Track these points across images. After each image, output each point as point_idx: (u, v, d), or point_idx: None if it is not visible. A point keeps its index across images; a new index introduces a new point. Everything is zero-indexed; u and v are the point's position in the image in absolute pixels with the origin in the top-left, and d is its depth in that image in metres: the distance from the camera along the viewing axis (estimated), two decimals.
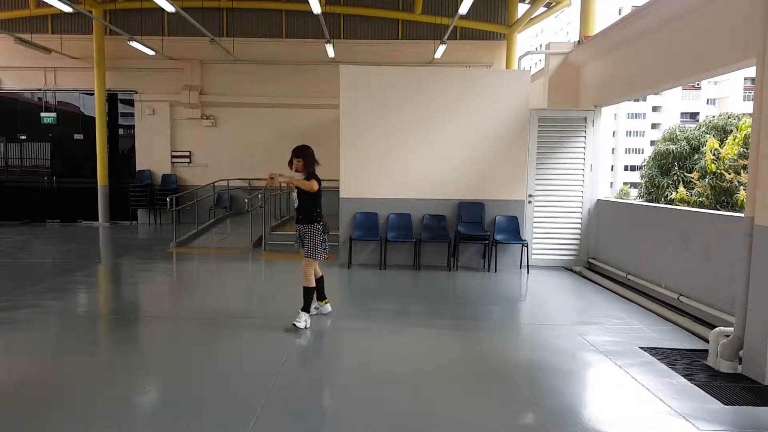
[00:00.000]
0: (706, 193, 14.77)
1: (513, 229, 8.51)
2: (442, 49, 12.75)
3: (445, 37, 12.33)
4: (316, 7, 9.87)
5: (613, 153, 59.50)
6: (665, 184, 18.88)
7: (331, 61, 13.29)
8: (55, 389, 3.83)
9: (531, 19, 13.85)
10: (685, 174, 17.54)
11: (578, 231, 8.67)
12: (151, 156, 14.47)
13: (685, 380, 4.12)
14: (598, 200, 8.58)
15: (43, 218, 14.57)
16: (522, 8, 14.22)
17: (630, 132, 61.69)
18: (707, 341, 4.71)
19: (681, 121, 48.45)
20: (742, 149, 13.45)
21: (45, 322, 5.45)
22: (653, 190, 19.34)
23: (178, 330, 5.40)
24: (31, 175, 14.72)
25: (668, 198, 17.26)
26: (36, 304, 6.03)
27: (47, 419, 3.38)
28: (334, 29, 14.17)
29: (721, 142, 15.45)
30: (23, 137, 14.55)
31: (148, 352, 4.88)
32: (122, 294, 7.11)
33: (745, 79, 55.38)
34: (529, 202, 8.65)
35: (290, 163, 5.34)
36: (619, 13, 48.29)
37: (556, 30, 69.28)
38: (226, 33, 14.34)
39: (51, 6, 11.06)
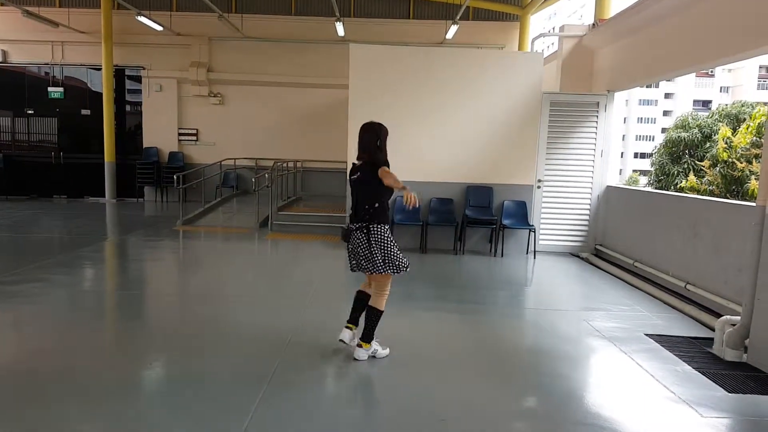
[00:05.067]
0: (716, 182, 14.64)
1: (521, 214, 8.46)
2: (453, 29, 12.56)
3: (457, 17, 12.15)
4: None
5: (623, 139, 58.97)
6: (675, 172, 18.72)
7: (341, 39, 13.14)
8: (60, 364, 3.85)
9: (545, 0, 13.61)
10: (696, 162, 17.38)
11: (587, 217, 8.62)
12: (158, 133, 14.42)
13: (690, 367, 4.11)
14: (608, 187, 8.50)
15: (50, 194, 14.62)
16: None
17: (641, 118, 61.02)
18: (713, 329, 4.70)
19: (693, 109, 47.79)
20: (755, 138, 13.28)
21: (53, 296, 5.49)
22: (663, 178, 19.18)
23: (183, 307, 5.44)
24: (38, 150, 14.70)
25: (678, 186, 17.13)
26: (44, 278, 6.07)
27: (51, 394, 3.41)
28: (344, 7, 14.00)
29: (734, 130, 15.25)
30: (30, 112, 14.53)
31: (154, 327, 4.91)
32: (129, 270, 7.14)
33: (760, 67, 54.51)
34: (538, 187, 8.58)
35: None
36: None
37: (570, 12, 68.20)
38: (234, 9, 14.20)
39: None
